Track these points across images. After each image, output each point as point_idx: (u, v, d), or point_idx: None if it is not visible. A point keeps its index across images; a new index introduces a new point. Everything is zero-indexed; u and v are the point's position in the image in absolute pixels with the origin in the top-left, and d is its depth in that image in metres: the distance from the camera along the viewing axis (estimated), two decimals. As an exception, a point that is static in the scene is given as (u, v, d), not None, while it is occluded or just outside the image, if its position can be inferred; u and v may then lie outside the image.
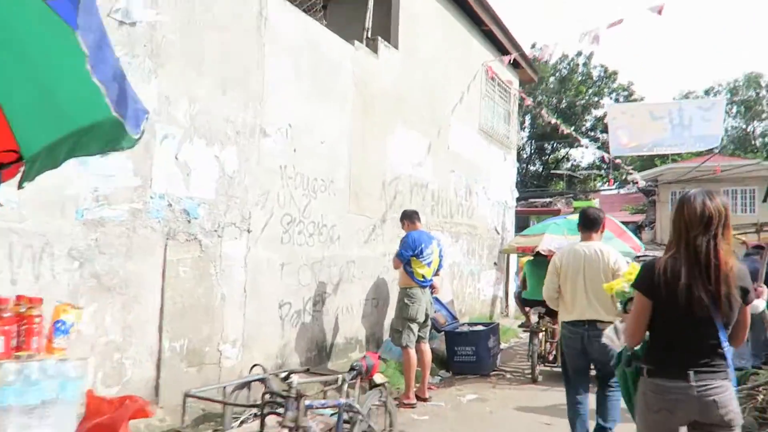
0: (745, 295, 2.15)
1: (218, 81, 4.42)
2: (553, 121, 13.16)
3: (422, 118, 7.91)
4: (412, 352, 5.38)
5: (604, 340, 3.16)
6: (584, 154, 36.97)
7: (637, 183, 22.70)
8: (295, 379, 2.70)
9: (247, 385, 3.59)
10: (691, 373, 2.12)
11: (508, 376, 6.77)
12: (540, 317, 6.93)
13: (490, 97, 10.85)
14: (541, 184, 33.69)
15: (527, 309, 7.23)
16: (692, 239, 2.10)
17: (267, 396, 2.72)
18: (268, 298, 4.96)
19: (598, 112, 34.76)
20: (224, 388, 3.51)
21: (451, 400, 5.58)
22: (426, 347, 5.65)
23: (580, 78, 34.60)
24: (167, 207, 3.97)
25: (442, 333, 6.98)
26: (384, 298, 6.85)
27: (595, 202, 26.00)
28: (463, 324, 7.42)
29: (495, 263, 11.07)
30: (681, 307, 2.10)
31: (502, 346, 8.69)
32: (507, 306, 11.60)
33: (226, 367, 4.47)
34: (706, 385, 2.12)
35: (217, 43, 4.41)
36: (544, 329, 6.98)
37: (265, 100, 4.89)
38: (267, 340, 4.95)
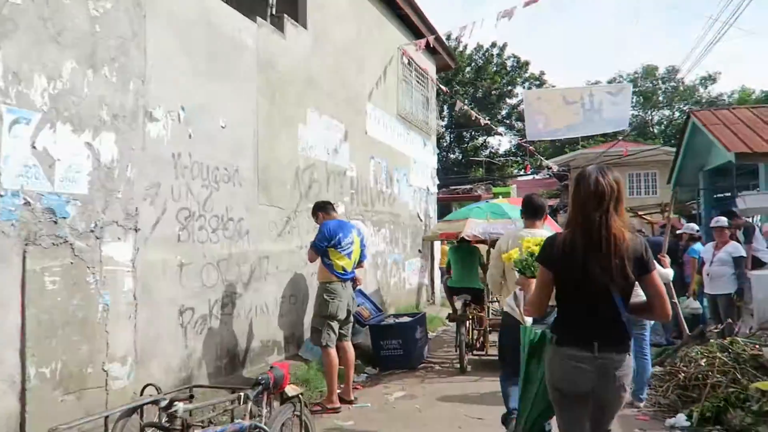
0: (643, 266, 2.21)
1: (86, 56, 3.74)
2: (468, 110, 13.17)
3: (337, 102, 7.47)
4: (333, 352, 4.97)
5: (505, 308, 3.30)
6: (501, 142, 37.99)
7: (551, 168, 23.62)
8: (180, 407, 2.21)
9: (137, 410, 3.02)
10: (596, 343, 2.22)
11: (437, 367, 6.53)
12: (466, 305, 6.75)
13: (408, 83, 10.58)
14: (461, 171, 34.29)
15: (453, 297, 7.04)
16: (587, 214, 2.19)
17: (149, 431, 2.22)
18: (165, 304, 4.35)
19: (513, 101, 35.91)
20: (106, 417, 2.93)
21: (378, 400, 5.24)
22: (348, 345, 5.26)
23: (494, 69, 35.50)
24: (23, 206, 3.28)
25: (367, 327, 6.63)
26: (303, 295, 6.38)
27: (513, 188, 26.80)
28: (389, 316, 7.11)
29: (419, 251, 10.89)
30: (579, 280, 2.21)
31: (430, 335, 8.50)
32: (433, 294, 11.47)
33: (116, 390, 3.85)
34: (608, 357, 2.23)
35: (82, 10, 3.73)
36: (470, 317, 6.81)
37: (150, 79, 4.25)
38: (166, 353, 4.35)
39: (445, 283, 8.01)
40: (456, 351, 6.76)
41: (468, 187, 26.97)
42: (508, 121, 35.95)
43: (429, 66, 11.52)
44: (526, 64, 35.73)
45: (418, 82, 11.13)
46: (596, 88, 10.32)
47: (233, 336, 5.17)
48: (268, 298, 5.72)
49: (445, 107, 34.52)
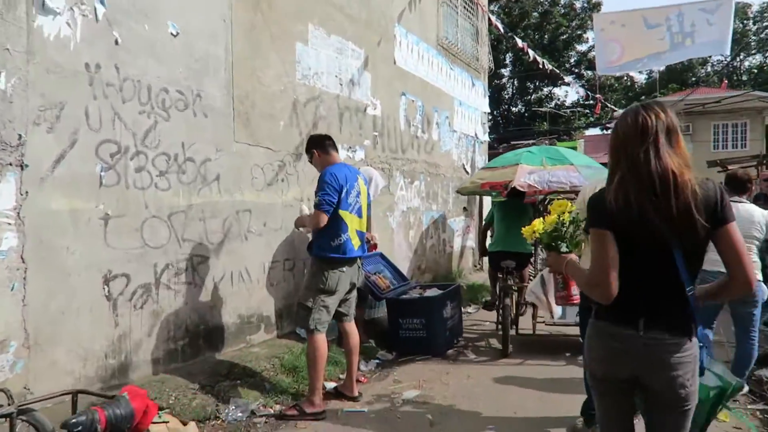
0: (717, 216, 1.68)
1: None
2: (531, 53, 11.14)
3: (353, 20, 5.98)
4: (322, 338, 3.68)
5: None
6: (568, 93, 34.96)
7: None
8: None
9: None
10: (642, 320, 1.74)
11: (471, 355, 5.14)
12: (509, 273, 5.37)
13: (452, 7, 8.85)
14: (524, 126, 31.85)
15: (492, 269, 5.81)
16: (631, 154, 1.71)
17: None
18: (78, 270, 3.20)
19: (582, 47, 32.69)
20: None
21: (382, 401, 3.95)
22: (351, 327, 3.98)
23: (562, 11, 32.23)
24: None
25: (384, 300, 5.32)
26: (303, 258, 5.13)
27: (580, 143, 24.35)
28: (414, 287, 5.75)
29: (465, 208, 9.38)
30: (634, 238, 1.70)
31: (471, 309, 7.11)
32: (480, 258, 9.98)
33: (-8, 387, 2.75)
34: (657, 339, 1.73)
35: None
36: (514, 289, 5.38)
37: (44, -49, 2.98)
38: (81, 335, 3.22)
39: (481, 245, 6.58)
40: (497, 328, 5.55)
41: (531, 141, 24.83)
42: (576, 70, 32.77)
43: (480, -10, 9.68)
44: (598, 5, 32.13)
45: (465, 7, 9.35)
46: (687, 6, 8.15)
47: (195, 311, 4.00)
48: (249, 263, 4.50)
49: (508, 56, 31.87)
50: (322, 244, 3.73)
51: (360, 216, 3.83)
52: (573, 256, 1.96)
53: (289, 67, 4.97)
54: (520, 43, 10.35)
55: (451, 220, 8.79)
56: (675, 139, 1.71)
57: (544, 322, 5.26)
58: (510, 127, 30.90)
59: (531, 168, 5.37)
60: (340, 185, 3.66)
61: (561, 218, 2.00)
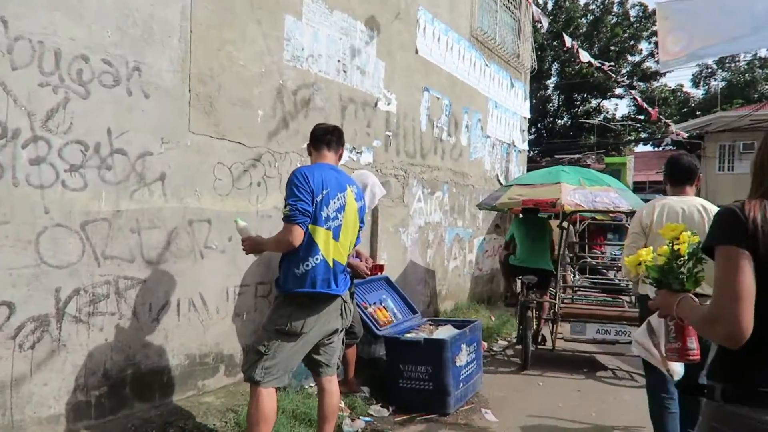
0: None
1: None
2: (586, 56, 9.84)
3: (364, -4, 5.00)
4: (268, 395, 2.63)
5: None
6: (618, 106, 33.09)
7: (679, 135, 19.25)
8: None
9: None
10: None
11: (491, 417, 4.00)
12: (530, 288, 5.47)
13: (490, -5, 7.79)
14: (569, 140, 30.23)
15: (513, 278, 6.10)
16: None
17: None
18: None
19: (635, 58, 30.82)
20: None
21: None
22: (331, 385, 2.91)
23: (614, 19, 30.53)
24: None
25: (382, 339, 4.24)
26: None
27: (629, 159, 22.65)
28: (423, 323, 4.65)
29: (497, 225, 8.21)
30: None
31: (497, 347, 5.97)
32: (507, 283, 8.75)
33: None
34: None
35: None
36: (533, 305, 5.41)
37: None
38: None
39: (504, 261, 6.23)
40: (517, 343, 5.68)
41: (576, 156, 23.30)
42: (628, 81, 30.91)
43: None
44: (654, 14, 30.31)
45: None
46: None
47: (120, 350, 3.04)
48: (206, 287, 3.53)
49: (554, 65, 30.38)
50: (285, 272, 2.72)
51: (337, 239, 2.77)
52: (688, 295, 1.51)
53: (274, 44, 4.01)
54: (569, 41, 9.14)
55: (479, 238, 7.65)
56: None
57: (563, 338, 5.30)
58: (554, 140, 29.35)
59: (573, 187, 5.37)
60: (311, 190, 2.64)
61: (676, 248, 1.60)
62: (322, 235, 2.67)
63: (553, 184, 5.51)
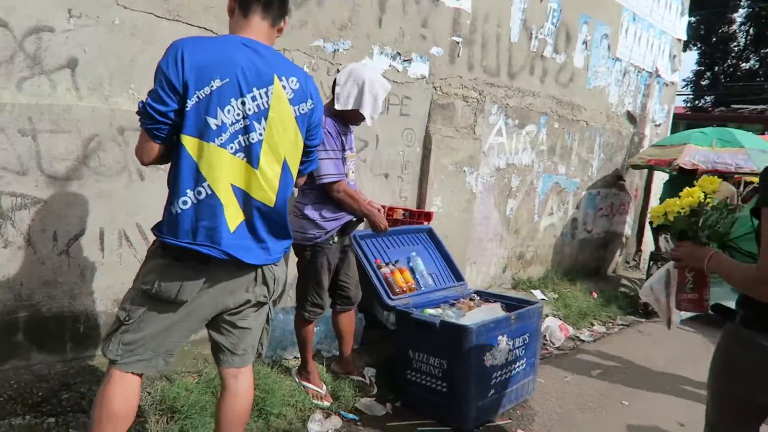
0: None
1: None
2: None
3: None
4: (123, 382, 1.68)
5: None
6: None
7: None
8: None
9: None
10: None
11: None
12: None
13: None
14: (755, 89, 24.84)
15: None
16: None
17: None
18: None
19: None
20: None
21: None
22: (239, 384, 1.85)
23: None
24: None
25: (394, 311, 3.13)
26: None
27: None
28: (467, 294, 3.42)
29: (620, 178, 6.42)
30: None
31: (587, 335, 4.59)
32: (637, 252, 6.93)
33: None
34: None
35: None
36: None
37: None
38: None
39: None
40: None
41: (761, 107, 18.92)
42: None
43: None
44: None
45: None
46: None
47: (7, 286, 2.34)
48: (146, 217, 2.68)
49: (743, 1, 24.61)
50: (166, 206, 1.73)
51: (255, 164, 1.65)
52: (704, 250, 1.56)
53: None
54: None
55: (591, 192, 5.98)
56: None
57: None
58: (735, 87, 24.23)
59: (698, 148, 5.24)
60: (181, 80, 1.55)
61: (706, 200, 1.65)
62: (214, 157, 1.61)
63: (681, 144, 5.37)
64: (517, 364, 2.97)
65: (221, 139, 1.60)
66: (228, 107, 1.60)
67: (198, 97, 1.58)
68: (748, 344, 1.46)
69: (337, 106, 2.54)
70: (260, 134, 1.66)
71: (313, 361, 2.89)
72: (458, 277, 3.57)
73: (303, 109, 1.75)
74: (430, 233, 3.69)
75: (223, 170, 1.62)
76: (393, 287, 3.14)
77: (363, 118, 2.58)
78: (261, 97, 1.65)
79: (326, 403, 2.80)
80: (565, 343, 4.30)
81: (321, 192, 2.61)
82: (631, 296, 5.48)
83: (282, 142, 1.71)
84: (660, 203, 4.83)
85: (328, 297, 2.77)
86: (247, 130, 1.64)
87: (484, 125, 4.43)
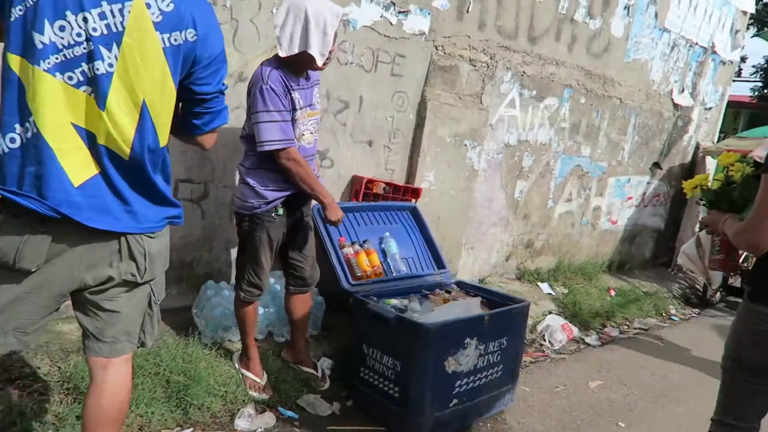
0: None
1: None
2: None
3: None
4: None
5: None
6: None
7: None
8: None
9: None
10: None
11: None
12: None
13: None
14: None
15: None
16: None
17: None
18: None
19: None
20: None
21: None
22: (107, 376, 1.49)
23: None
24: None
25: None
26: (227, 182, 2.83)
27: None
28: (446, 286, 2.98)
29: (656, 164, 5.76)
30: None
31: (593, 338, 4.12)
32: (674, 248, 6.27)
33: None
34: None
35: None
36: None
37: None
38: None
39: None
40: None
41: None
42: None
43: None
44: None
45: None
46: None
47: None
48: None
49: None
50: None
51: (102, 104, 1.26)
52: (732, 215, 1.74)
53: None
54: None
55: (620, 178, 5.37)
56: None
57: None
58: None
59: None
60: None
61: (729, 174, 1.89)
62: (40, 85, 1.23)
63: (761, 138, 5.04)
64: (491, 371, 2.55)
65: (48, 63, 1.23)
66: (61, 22, 1.22)
67: (25, 4, 1.20)
68: (756, 314, 1.61)
69: (280, 53, 2.12)
70: (110, 65, 1.27)
71: (255, 347, 2.55)
72: (440, 265, 3.15)
73: (177, 40, 1.34)
74: (414, 212, 3.27)
75: (53, 104, 1.25)
76: (354, 270, 2.75)
77: (315, 60, 2.14)
78: (113, 15, 1.26)
79: (263, 396, 2.47)
80: (566, 345, 3.84)
81: (265, 155, 2.21)
82: (661, 297, 4.94)
83: (140, 79, 1.31)
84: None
85: (268, 277, 2.40)
86: (91, 57, 1.25)
87: (493, 94, 3.90)
